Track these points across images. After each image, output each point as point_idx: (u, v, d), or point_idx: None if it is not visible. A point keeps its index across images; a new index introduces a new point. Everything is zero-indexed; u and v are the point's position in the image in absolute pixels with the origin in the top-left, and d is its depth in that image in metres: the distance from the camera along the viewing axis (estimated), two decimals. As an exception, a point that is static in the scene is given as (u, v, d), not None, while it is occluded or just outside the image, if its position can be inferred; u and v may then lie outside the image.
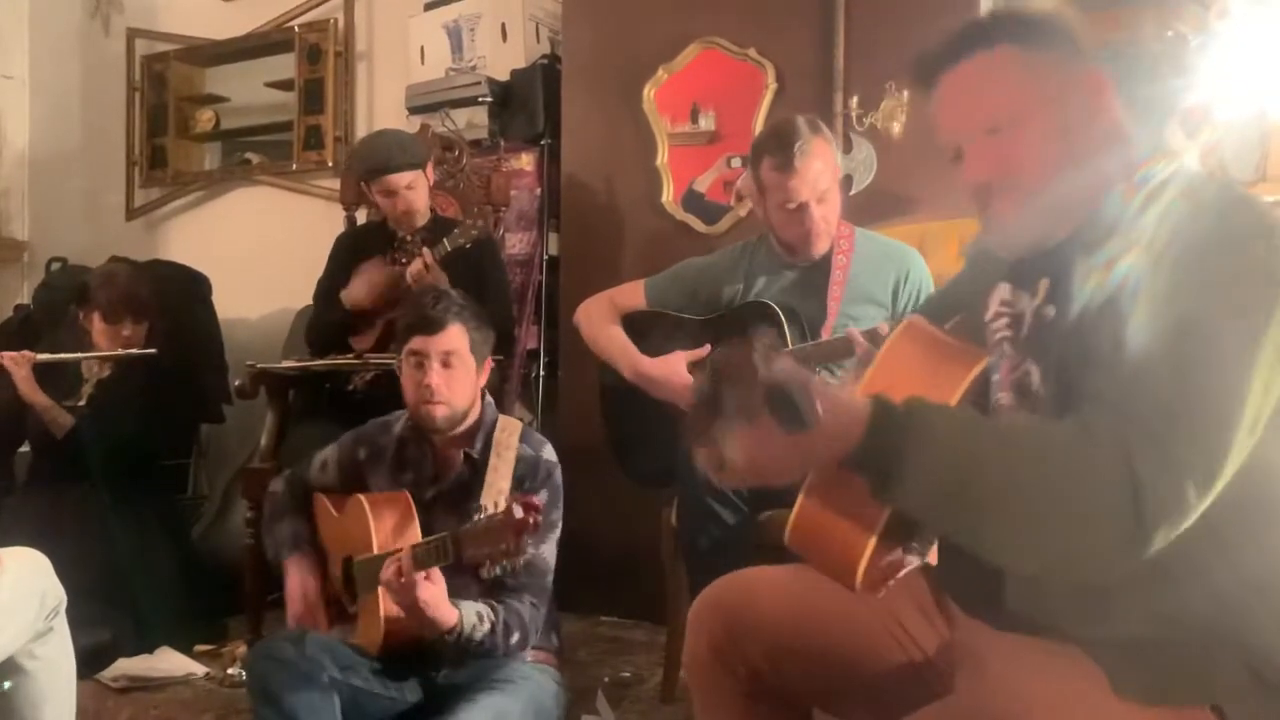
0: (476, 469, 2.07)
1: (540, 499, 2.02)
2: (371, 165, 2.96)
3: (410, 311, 2.11)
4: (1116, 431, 0.96)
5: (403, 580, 1.81)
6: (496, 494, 1.97)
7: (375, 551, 1.96)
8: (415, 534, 1.98)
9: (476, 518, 1.78)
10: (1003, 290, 1.25)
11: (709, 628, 1.33)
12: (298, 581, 2.12)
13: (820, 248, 2.37)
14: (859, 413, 0.99)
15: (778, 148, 2.27)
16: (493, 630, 1.91)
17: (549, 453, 2.13)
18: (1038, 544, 0.99)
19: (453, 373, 2.05)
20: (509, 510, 1.73)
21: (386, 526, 1.99)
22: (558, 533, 2.09)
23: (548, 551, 2.05)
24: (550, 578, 2.06)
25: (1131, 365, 1.00)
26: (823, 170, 2.28)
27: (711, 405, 0.94)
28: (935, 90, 1.20)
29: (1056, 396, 1.12)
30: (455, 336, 2.06)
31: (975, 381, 1.18)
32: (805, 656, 1.29)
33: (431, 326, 2.04)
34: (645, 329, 2.49)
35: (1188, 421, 0.96)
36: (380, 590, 1.89)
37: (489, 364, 2.16)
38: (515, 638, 1.95)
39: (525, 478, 2.06)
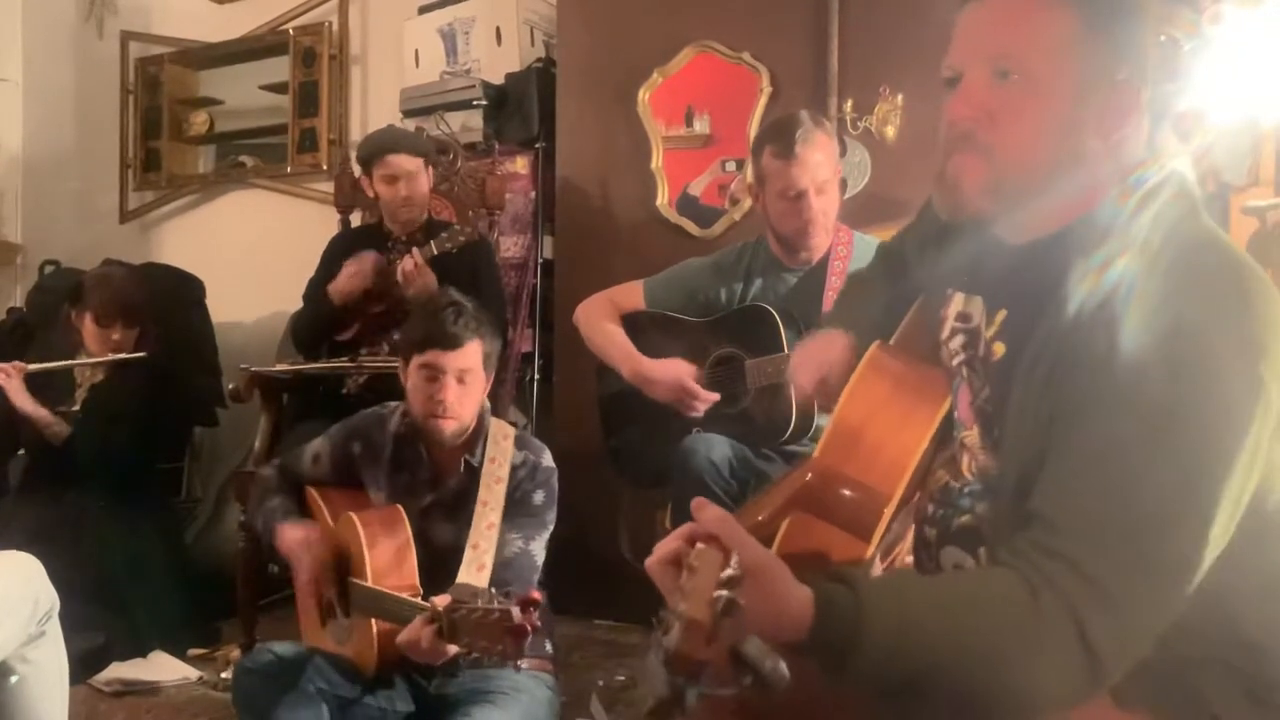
0: (474, 475, 2.06)
1: (543, 501, 2.07)
2: (377, 145, 3.03)
3: (427, 322, 2.04)
4: (1063, 591, 0.91)
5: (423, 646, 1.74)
6: (495, 505, 1.99)
7: (368, 568, 1.94)
8: (410, 557, 1.96)
9: (474, 603, 1.64)
10: (957, 301, 1.17)
11: None
12: (302, 538, 2.05)
13: (818, 243, 2.38)
14: (803, 610, 0.93)
15: (779, 135, 2.32)
16: None
17: (548, 459, 2.14)
18: (993, 706, 0.95)
19: (466, 389, 2.02)
20: (506, 613, 1.59)
21: (380, 549, 1.96)
22: (548, 533, 2.09)
23: (536, 549, 2.05)
24: (537, 575, 2.05)
25: (1077, 469, 0.95)
26: (823, 161, 2.30)
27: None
28: (972, 5, 1.08)
29: (1013, 438, 1.06)
30: (472, 353, 2.02)
31: (945, 419, 1.15)
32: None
33: (451, 342, 1.99)
34: (644, 329, 2.50)
35: (1141, 569, 0.92)
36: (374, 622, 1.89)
37: (491, 374, 2.14)
38: None
39: (524, 480, 2.07)
